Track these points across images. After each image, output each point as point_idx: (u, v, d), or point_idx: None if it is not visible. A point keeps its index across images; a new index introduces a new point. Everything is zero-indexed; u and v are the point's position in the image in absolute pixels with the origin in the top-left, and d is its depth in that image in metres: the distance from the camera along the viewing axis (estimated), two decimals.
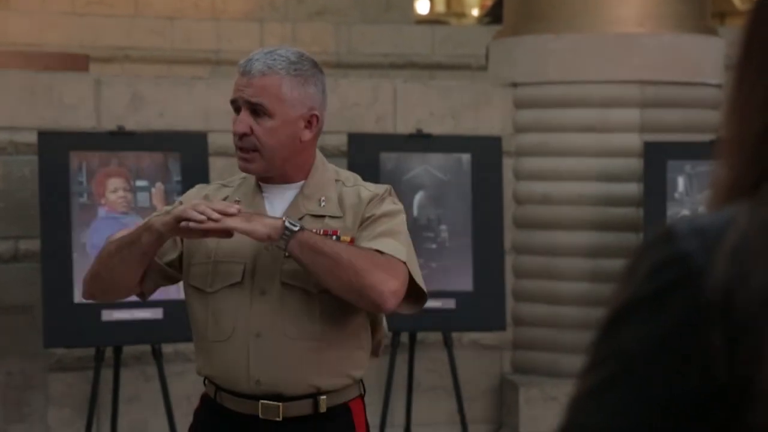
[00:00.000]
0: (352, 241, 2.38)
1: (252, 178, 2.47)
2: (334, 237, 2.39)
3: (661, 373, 0.80)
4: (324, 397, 2.39)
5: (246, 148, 2.38)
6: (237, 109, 2.41)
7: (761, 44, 0.88)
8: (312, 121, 2.42)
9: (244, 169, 2.41)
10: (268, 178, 2.44)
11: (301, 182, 2.45)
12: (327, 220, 2.43)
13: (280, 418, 2.37)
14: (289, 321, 2.38)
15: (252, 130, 2.36)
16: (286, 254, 2.31)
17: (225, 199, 2.47)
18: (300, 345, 2.38)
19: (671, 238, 0.82)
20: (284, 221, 2.30)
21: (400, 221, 2.43)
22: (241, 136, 2.37)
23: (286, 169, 2.42)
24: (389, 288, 2.32)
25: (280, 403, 2.38)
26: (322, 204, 2.44)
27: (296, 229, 2.30)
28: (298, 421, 2.38)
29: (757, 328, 0.77)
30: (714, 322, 0.78)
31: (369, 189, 2.47)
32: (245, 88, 2.37)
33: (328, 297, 2.37)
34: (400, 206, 2.47)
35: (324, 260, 2.30)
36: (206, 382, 2.50)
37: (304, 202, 2.43)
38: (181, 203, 2.44)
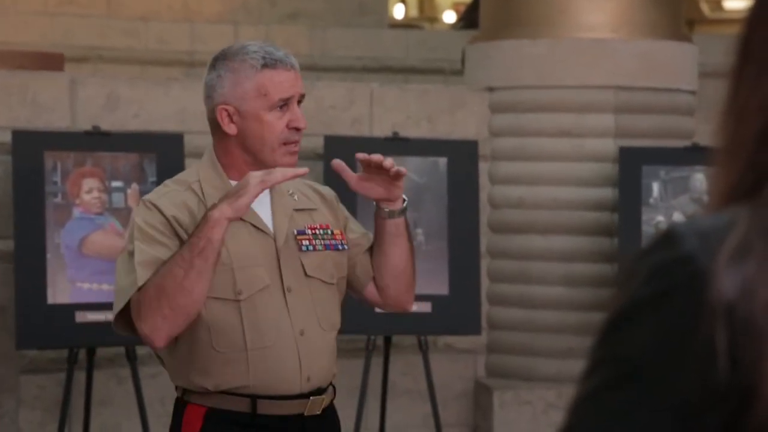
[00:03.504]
0: (343, 236, 2.48)
1: (218, 178, 2.40)
2: (329, 231, 2.45)
3: (663, 375, 0.79)
4: (333, 385, 2.48)
5: (297, 141, 2.39)
6: (278, 107, 2.37)
7: (761, 44, 0.88)
8: None
9: (293, 164, 2.39)
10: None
11: None
12: (314, 214, 2.47)
13: (320, 411, 2.40)
14: (321, 313, 2.42)
15: None
16: (393, 219, 2.43)
17: (201, 203, 2.40)
18: (330, 335, 2.44)
19: (673, 240, 0.82)
20: None
21: None
22: (300, 130, 2.39)
23: None
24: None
25: (323, 396, 2.42)
26: (296, 197, 2.47)
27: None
28: (318, 415, 2.42)
29: (761, 331, 0.77)
30: (717, 325, 0.78)
31: (319, 185, 2.59)
32: (297, 82, 2.39)
33: (339, 286, 2.47)
34: None
35: (410, 244, 2.53)
36: (211, 396, 2.35)
37: (280, 198, 2.45)
38: (161, 212, 2.35)
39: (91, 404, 4.16)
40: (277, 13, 8.30)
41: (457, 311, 4.55)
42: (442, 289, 4.55)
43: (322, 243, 2.43)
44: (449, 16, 15.23)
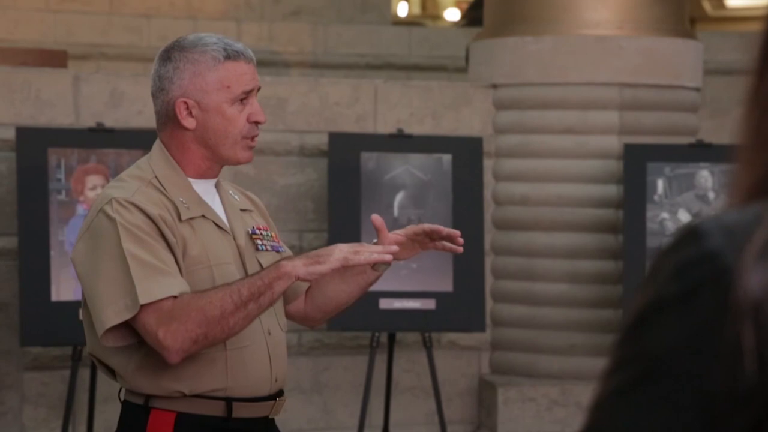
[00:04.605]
0: (278, 240, 2.45)
1: (176, 175, 2.31)
2: (269, 233, 2.42)
3: (688, 375, 0.78)
4: None
5: (257, 135, 2.35)
6: (239, 100, 2.32)
7: None
8: None
9: (250, 158, 2.36)
10: (208, 171, 2.36)
11: (215, 177, 2.40)
12: (253, 215, 2.44)
13: (279, 414, 2.37)
14: (279, 314, 2.39)
15: None
16: (379, 273, 2.44)
17: (169, 200, 2.28)
18: (284, 336, 2.41)
19: (698, 237, 0.81)
20: None
21: None
22: (260, 124, 2.34)
23: None
24: None
25: (284, 398, 2.38)
26: (236, 198, 2.44)
27: None
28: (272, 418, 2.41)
29: None
30: (744, 323, 0.77)
31: (247, 191, 2.54)
32: (255, 75, 2.35)
33: None
34: None
35: None
36: (182, 401, 2.26)
37: (227, 197, 2.40)
38: (143, 211, 2.19)
39: (95, 401, 4.15)
40: (279, 10, 8.29)
41: (462, 308, 4.55)
42: (446, 286, 4.54)
43: (269, 244, 2.39)
44: (451, 14, 15.22)
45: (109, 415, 4.48)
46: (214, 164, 2.34)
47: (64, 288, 4.04)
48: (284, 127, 4.66)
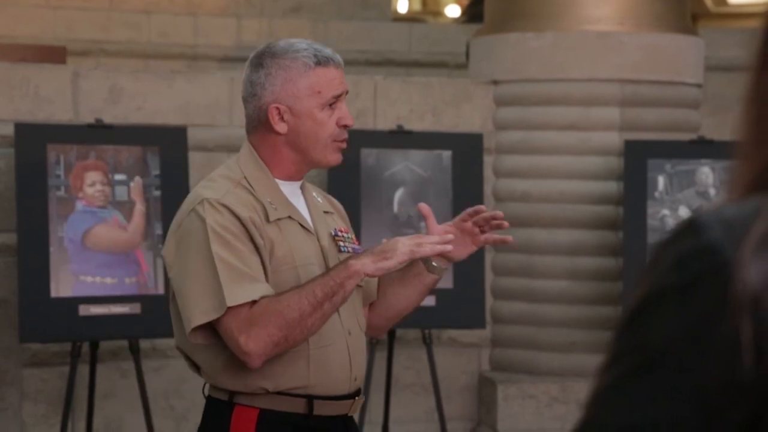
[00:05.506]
0: (358, 242, 2.50)
1: (265, 176, 2.37)
2: (346, 235, 2.47)
3: (686, 367, 0.78)
4: None
5: (346, 138, 2.40)
6: (329, 105, 2.36)
7: None
8: None
9: (339, 160, 2.41)
10: (296, 174, 2.42)
11: (301, 179, 2.47)
12: (335, 218, 2.49)
13: (357, 412, 2.43)
14: (359, 314, 2.45)
15: None
16: (436, 275, 2.44)
17: (257, 201, 2.33)
18: (364, 336, 2.46)
19: (697, 229, 0.80)
20: None
21: None
22: (348, 127, 2.39)
23: None
24: None
25: (362, 396, 2.44)
26: (320, 200, 2.49)
27: None
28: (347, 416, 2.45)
29: None
30: (742, 316, 0.76)
31: (328, 194, 2.59)
32: (344, 79, 2.39)
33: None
34: None
35: None
36: (265, 397, 2.31)
37: (310, 198, 2.46)
38: (233, 213, 2.25)
39: (94, 398, 4.15)
40: (279, 7, 8.28)
41: (461, 305, 4.54)
42: (446, 282, 4.53)
43: (351, 246, 2.46)
44: (452, 10, 15.22)
45: (108, 411, 4.48)
46: (302, 167, 2.41)
47: (63, 284, 4.04)
48: None
